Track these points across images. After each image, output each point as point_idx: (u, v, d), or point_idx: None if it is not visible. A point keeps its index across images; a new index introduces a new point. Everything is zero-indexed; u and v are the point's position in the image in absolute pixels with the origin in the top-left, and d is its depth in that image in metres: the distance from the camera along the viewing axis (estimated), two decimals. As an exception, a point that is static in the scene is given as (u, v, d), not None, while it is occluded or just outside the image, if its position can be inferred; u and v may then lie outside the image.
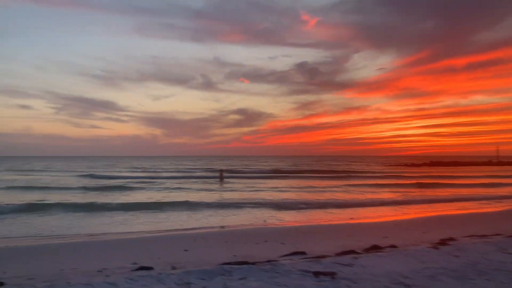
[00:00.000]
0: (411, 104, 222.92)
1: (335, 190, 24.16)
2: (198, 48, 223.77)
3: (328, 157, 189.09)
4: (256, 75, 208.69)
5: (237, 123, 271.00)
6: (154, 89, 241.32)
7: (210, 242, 9.09)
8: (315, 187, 27.09)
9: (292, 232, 10.56)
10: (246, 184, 30.38)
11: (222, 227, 12.41)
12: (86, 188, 25.47)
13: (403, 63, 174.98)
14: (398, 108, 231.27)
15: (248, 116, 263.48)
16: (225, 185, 29.41)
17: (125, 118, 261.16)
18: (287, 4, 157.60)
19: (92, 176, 39.18)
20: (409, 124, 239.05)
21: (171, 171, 51.81)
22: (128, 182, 32.47)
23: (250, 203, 18.14)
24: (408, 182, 31.43)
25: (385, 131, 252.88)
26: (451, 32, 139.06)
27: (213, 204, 17.59)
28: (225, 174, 35.36)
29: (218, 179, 33.81)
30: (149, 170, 56.72)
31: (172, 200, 18.26)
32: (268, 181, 33.92)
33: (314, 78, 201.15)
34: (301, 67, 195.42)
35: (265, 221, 13.13)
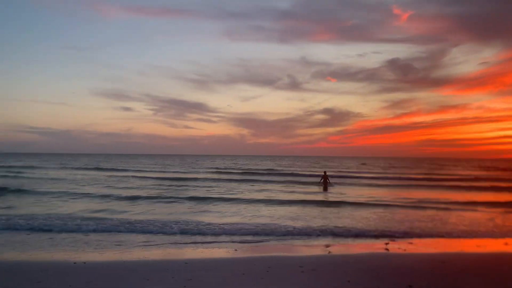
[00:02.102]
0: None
1: (462, 208, 18.03)
2: (285, 48, 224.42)
3: (424, 159, 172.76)
4: (344, 74, 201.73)
5: (323, 123, 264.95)
6: (243, 91, 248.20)
7: (324, 280, 6.40)
8: (433, 200, 21.84)
9: (437, 267, 7.36)
10: (353, 191, 25.10)
11: (328, 246, 9.71)
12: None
13: (511, 56, 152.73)
14: (505, 106, 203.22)
15: (334, 116, 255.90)
16: (330, 193, 24.08)
17: (215, 119, 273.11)
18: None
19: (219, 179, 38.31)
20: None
21: (263, 173, 46.26)
22: (216, 184, 31.12)
23: (365, 218, 14.94)
24: None
25: (488, 131, 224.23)
26: None
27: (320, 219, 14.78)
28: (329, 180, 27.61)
29: (320, 185, 27.16)
30: (239, 171, 54.38)
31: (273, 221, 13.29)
32: (376, 189, 27.77)
33: (407, 75, 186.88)
34: (393, 63, 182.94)
35: (387, 243, 10.01)
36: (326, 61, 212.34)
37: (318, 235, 11.15)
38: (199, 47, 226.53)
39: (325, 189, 25.76)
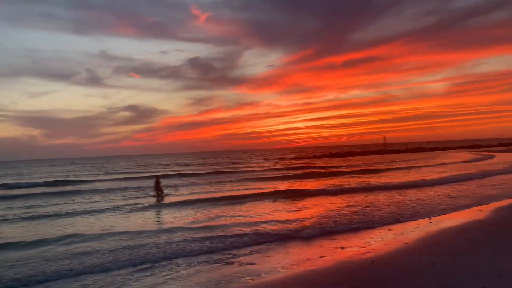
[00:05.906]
0: (298, 99, 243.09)
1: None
2: (82, 40, 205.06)
3: (226, 152, 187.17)
4: (148, 70, 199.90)
5: (128, 121, 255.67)
6: (31, 85, 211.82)
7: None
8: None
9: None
10: (192, 195, 20.86)
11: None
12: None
13: (290, 60, 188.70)
14: (287, 103, 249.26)
15: (140, 113, 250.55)
16: (166, 202, 18.70)
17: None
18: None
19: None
20: (297, 117, 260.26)
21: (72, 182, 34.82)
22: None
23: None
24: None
25: (275, 124, 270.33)
26: (331, 32, 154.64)
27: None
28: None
29: (153, 192, 21.77)
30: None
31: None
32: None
33: (208, 74, 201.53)
34: (194, 62, 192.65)
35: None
36: (128, 57, 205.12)
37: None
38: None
39: (159, 193, 21.12)
